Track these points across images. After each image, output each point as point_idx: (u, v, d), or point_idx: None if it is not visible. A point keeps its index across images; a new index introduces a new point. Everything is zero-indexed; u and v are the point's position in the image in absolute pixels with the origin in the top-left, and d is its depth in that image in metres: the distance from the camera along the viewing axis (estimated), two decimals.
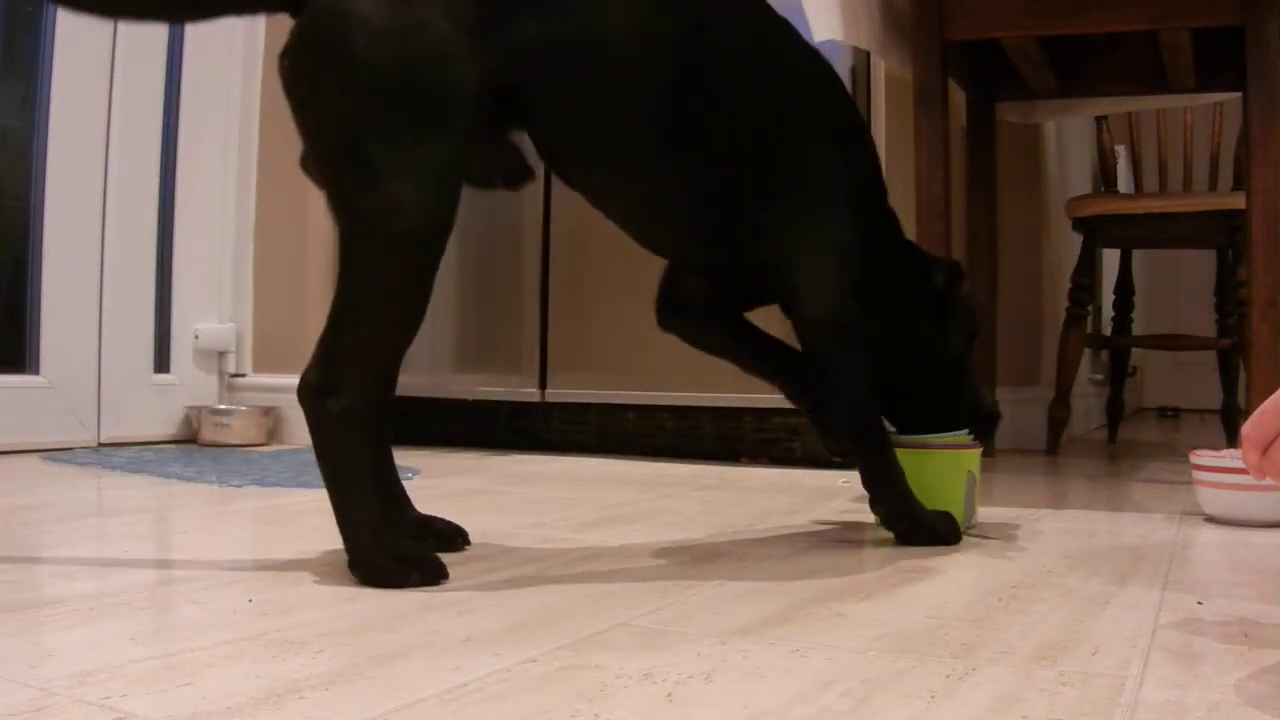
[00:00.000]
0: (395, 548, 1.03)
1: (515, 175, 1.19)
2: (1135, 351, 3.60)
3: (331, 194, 1.04)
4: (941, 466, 1.39)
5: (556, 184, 2.39)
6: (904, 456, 1.42)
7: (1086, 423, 3.43)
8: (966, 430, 1.40)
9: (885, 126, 2.21)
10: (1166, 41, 2.03)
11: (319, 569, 1.09)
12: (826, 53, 1.41)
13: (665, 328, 1.41)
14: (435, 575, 1.03)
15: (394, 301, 1.03)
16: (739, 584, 1.06)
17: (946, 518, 1.32)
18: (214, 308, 2.62)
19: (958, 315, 1.39)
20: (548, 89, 1.12)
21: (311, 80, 1.03)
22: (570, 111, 1.14)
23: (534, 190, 2.41)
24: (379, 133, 1.00)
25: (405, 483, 1.84)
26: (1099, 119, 2.89)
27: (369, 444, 1.04)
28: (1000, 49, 2.15)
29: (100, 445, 2.34)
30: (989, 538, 1.35)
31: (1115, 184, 2.95)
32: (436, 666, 0.76)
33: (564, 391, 2.42)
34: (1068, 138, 3.35)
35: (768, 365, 1.43)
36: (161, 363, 2.53)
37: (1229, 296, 2.84)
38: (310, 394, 1.03)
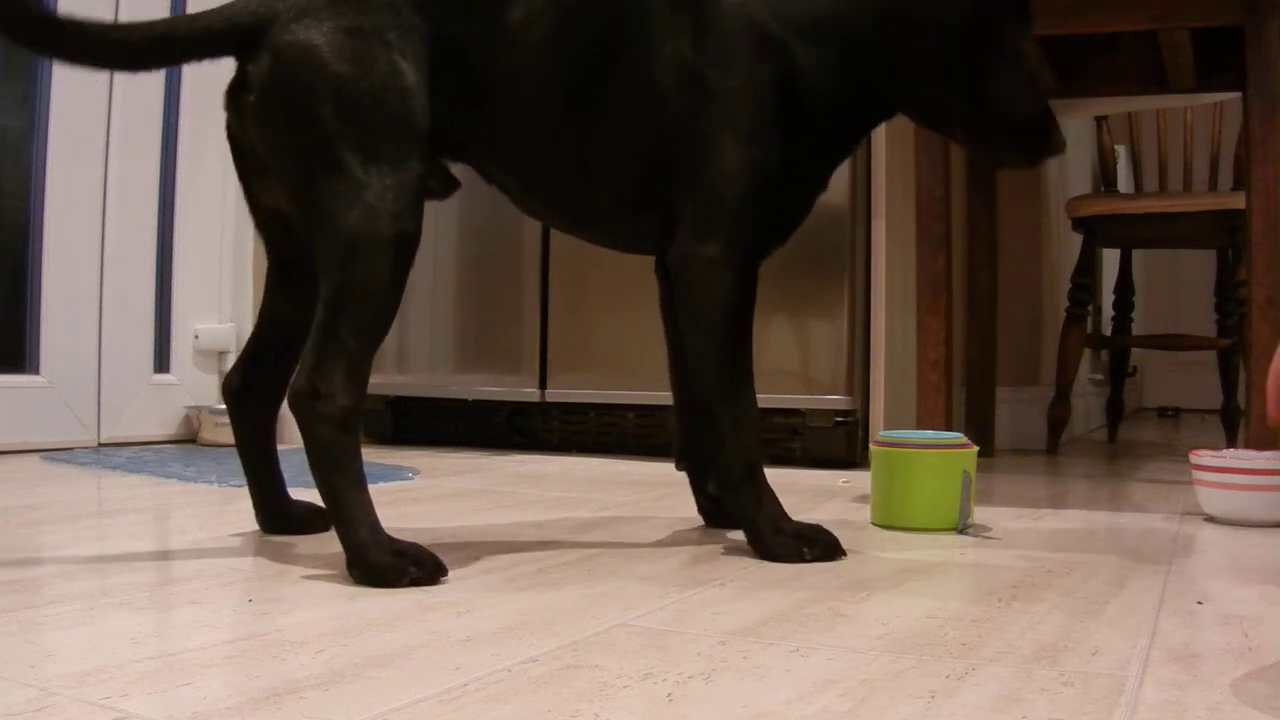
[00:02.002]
0: (393, 545, 1.05)
1: (444, 187, 1.27)
2: (1135, 351, 3.60)
3: (308, 212, 1.10)
4: (936, 467, 1.40)
5: None
6: (898, 457, 1.42)
7: (1086, 423, 3.43)
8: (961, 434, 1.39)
9: (885, 127, 2.21)
10: (1166, 41, 2.03)
11: (319, 569, 1.09)
12: None
13: (656, 273, 1.39)
14: (435, 572, 1.04)
15: (379, 304, 1.09)
16: (739, 584, 1.06)
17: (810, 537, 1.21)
18: (214, 308, 2.62)
19: None
20: (479, 129, 1.21)
21: (287, 110, 1.10)
22: (501, 144, 1.23)
23: None
24: (357, 152, 1.08)
25: (405, 483, 1.85)
26: (1099, 119, 2.89)
27: (359, 444, 1.09)
28: None
29: (100, 445, 2.34)
30: (988, 537, 1.35)
31: (1115, 184, 2.95)
32: (436, 666, 0.76)
33: (564, 391, 2.41)
34: (1068, 138, 3.34)
35: (677, 374, 1.38)
36: (161, 363, 2.53)
37: (1229, 296, 2.85)
38: (304, 401, 1.07)
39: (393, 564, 1.03)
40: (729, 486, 1.23)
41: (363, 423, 1.11)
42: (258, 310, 1.30)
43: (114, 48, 1.12)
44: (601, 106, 1.20)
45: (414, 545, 1.06)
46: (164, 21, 1.13)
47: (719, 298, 1.20)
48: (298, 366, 1.09)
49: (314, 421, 1.06)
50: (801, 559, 1.17)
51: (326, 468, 1.06)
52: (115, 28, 1.12)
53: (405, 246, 1.09)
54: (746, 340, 1.23)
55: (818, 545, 1.19)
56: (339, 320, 1.07)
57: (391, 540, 1.05)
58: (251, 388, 1.27)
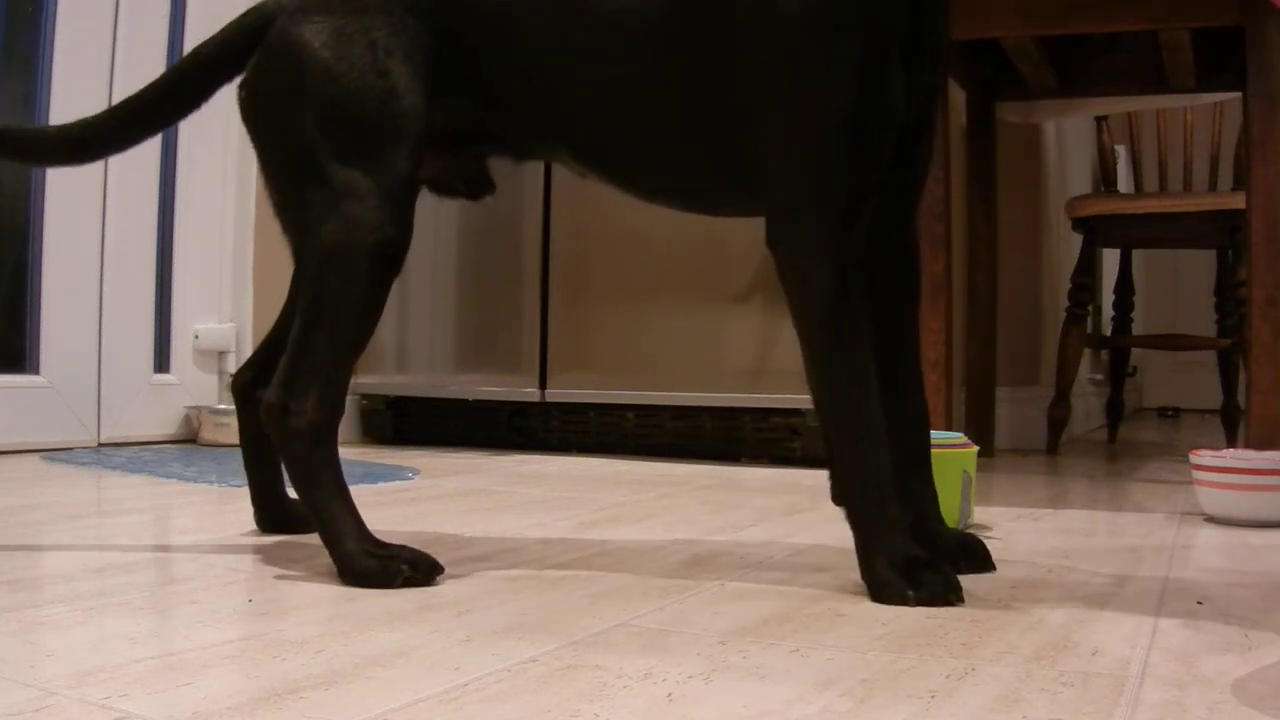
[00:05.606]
0: (381, 549, 1.04)
1: (476, 188, 1.24)
2: (1135, 351, 3.60)
3: (289, 217, 1.10)
4: (936, 467, 1.39)
5: (556, 185, 2.40)
6: None
7: (1086, 423, 3.43)
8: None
9: None
10: (1166, 41, 2.03)
11: (319, 569, 1.09)
12: None
13: None
14: (430, 572, 1.03)
15: (356, 318, 1.07)
16: (739, 584, 1.06)
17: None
18: (214, 308, 2.62)
19: None
20: (523, 119, 1.14)
21: (269, 108, 1.10)
22: (558, 130, 1.13)
23: (534, 190, 2.41)
24: (338, 156, 1.06)
25: (405, 483, 1.85)
26: (1099, 119, 2.89)
27: (335, 455, 1.08)
28: (1000, 49, 2.15)
29: (100, 445, 2.33)
30: (989, 537, 1.35)
31: (1115, 184, 2.95)
32: (436, 666, 0.76)
33: (564, 391, 2.41)
34: (1068, 138, 3.35)
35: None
36: (161, 363, 2.52)
37: (1229, 296, 2.85)
38: (275, 417, 1.07)
39: (382, 567, 1.02)
40: (845, 504, 1.04)
41: (338, 431, 1.09)
42: (264, 311, 1.29)
43: (159, 107, 1.16)
44: (647, 66, 1.05)
45: (403, 547, 1.05)
46: (188, 56, 1.16)
47: (814, 294, 1.01)
48: (273, 379, 1.07)
49: (287, 438, 1.06)
50: (905, 601, 0.97)
51: (305, 482, 1.07)
52: (145, 93, 1.16)
53: (386, 258, 1.06)
54: (860, 338, 1.02)
55: (925, 587, 0.97)
56: (314, 334, 1.05)
57: (380, 544, 1.05)
58: (261, 385, 1.26)
